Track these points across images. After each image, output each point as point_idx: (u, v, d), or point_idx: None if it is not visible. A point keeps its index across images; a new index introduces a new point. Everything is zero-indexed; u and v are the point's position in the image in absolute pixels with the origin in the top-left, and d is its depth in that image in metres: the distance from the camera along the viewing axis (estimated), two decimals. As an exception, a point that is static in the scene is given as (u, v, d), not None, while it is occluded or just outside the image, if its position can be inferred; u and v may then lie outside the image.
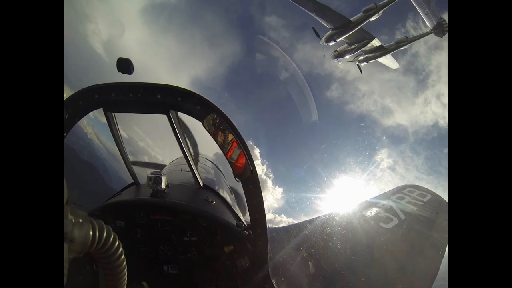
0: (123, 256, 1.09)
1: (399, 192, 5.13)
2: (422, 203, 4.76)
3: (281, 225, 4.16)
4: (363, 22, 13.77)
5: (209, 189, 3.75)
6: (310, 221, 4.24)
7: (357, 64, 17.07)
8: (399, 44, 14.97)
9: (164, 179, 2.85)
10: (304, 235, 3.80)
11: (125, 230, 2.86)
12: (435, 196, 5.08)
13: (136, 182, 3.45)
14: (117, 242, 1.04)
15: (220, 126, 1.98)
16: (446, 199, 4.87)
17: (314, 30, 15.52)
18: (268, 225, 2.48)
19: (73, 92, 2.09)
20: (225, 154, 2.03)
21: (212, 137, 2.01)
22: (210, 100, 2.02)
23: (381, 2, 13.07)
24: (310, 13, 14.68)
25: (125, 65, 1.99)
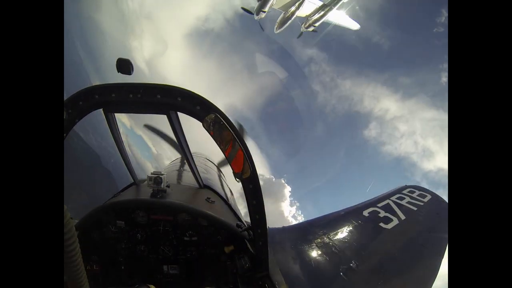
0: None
1: (399, 192, 5.12)
2: (422, 203, 4.75)
3: (281, 226, 4.14)
4: None
5: (209, 189, 3.75)
6: (310, 222, 4.23)
7: (313, 30, 16.37)
8: None
9: (164, 179, 2.85)
10: (304, 236, 3.80)
11: (125, 230, 2.86)
12: (435, 197, 5.07)
13: (136, 182, 3.45)
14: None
15: (220, 126, 1.98)
16: (446, 199, 4.87)
17: (244, 9, 14.99)
18: (268, 225, 2.48)
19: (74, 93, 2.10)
20: (225, 154, 2.03)
21: (212, 137, 2.01)
22: (211, 101, 2.02)
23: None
24: None
25: (125, 66, 1.99)
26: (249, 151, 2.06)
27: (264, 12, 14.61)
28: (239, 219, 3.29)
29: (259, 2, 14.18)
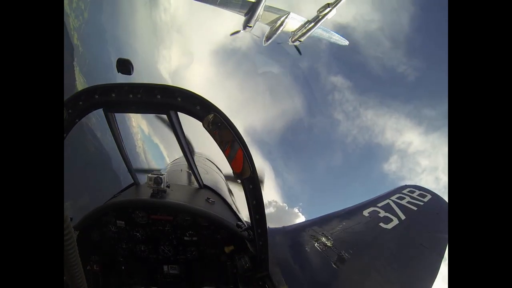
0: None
1: (399, 192, 5.12)
2: (422, 203, 4.75)
3: (281, 226, 4.14)
4: None
5: (209, 189, 3.75)
6: (310, 222, 4.23)
7: (294, 46, 17.20)
8: (321, 12, 14.74)
9: (164, 179, 2.85)
10: (304, 236, 3.80)
11: (125, 230, 2.86)
12: (435, 196, 5.07)
13: (136, 182, 3.46)
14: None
15: (220, 126, 1.98)
16: (446, 199, 4.87)
17: (233, 33, 16.19)
18: (268, 225, 2.48)
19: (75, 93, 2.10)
20: (225, 154, 2.03)
21: (212, 137, 2.01)
22: (211, 101, 2.02)
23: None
24: (215, 6, 15.32)
25: (125, 66, 1.99)
26: (249, 151, 2.06)
27: (250, 27, 15.66)
28: (239, 219, 3.29)
29: (245, 17, 15.24)
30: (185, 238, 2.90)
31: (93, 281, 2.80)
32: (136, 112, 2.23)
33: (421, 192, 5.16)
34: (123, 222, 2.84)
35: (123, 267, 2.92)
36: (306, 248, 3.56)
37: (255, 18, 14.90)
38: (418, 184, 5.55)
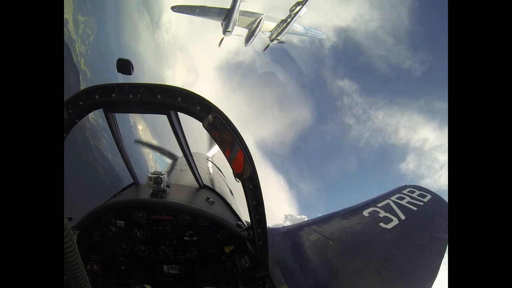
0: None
1: (399, 192, 5.12)
2: (422, 203, 4.75)
3: (281, 226, 4.14)
4: (236, 2, 15.32)
5: (209, 189, 3.75)
6: (310, 222, 4.23)
7: (279, 42, 18.38)
8: (293, 11, 15.78)
9: (164, 179, 2.85)
10: (304, 235, 3.80)
11: (125, 230, 2.86)
12: (435, 197, 5.07)
13: (136, 182, 3.46)
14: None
15: (220, 126, 1.97)
16: (446, 199, 4.87)
17: (220, 41, 17.75)
18: (268, 225, 2.48)
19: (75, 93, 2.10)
20: (225, 154, 2.03)
21: (212, 137, 2.01)
22: (211, 101, 2.02)
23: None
24: (194, 16, 16.86)
25: (125, 66, 1.99)
26: (249, 151, 2.06)
27: (229, 31, 16.91)
28: (239, 219, 3.29)
29: (224, 23, 16.47)
30: (185, 238, 2.90)
31: (93, 281, 2.80)
32: (136, 112, 2.23)
33: (421, 192, 5.16)
34: (123, 222, 2.83)
35: (123, 267, 2.92)
36: (306, 248, 3.56)
37: (232, 23, 16.21)
38: (418, 184, 5.55)
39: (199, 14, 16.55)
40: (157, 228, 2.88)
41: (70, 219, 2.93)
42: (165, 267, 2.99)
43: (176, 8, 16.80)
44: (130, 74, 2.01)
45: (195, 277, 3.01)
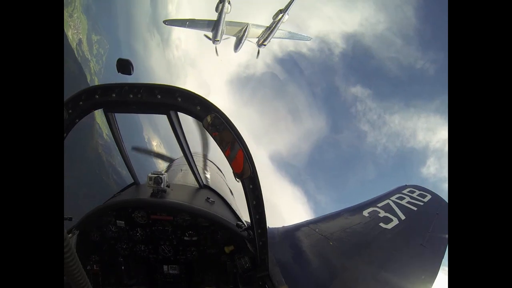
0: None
1: (399, 192, 5.12)
2: (422, 203, 4.75)
3: (281, 226, 4.14)
4: (222, 14, 16.34)
5: (209, 189, 3.75)
6: (310, 221, 4.23)
7: (258, 50, 19.55)
8: (277, 17, 16.83)
9: (164, 179, 2.85)
10: (304, 235, 3.80)
11: (125, 230, 2.86)
12: (435, 197, 5.07)
13: (136, 182, 3.45)
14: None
15: (220, 126, 1.97)
16: (446, 199, 4.87)
17: (206, 36, 18.33)
18: (268, 225, 2.48)
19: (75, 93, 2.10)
20: (225, 154, 2.03)
21: (212, 137, 2.01)
22: (212, 102, 2.02)
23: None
24: (184, 28, 18.03)
25: (125, 66, 1.99)
26: (249, 151, 2.06)
27: (218, 41, 17.84)
28: (239, 219, 3.29)
29: (212, 33, 17.52)
30: (185, 238, 2.90)
31: (93, 281, 2.80)
32: (136, 112, 2.23)
33: (421, 192, 5.15)
34: (123, 222, 2.83)
35: (123, 267, 2.92)
36: (306, 248, 3.56)
37: (220, 33, 17.26)
38: (418, 184, 5.55)
39: (189, 26, 17.69)
40: (157, 228, 2.88)
41: (70, 219, 2.93)
42: (165, 267, 2.99)
43: (168, 22, 17.93)
44: (130, 74, 2.01)
45: (195, 277, 3.01)
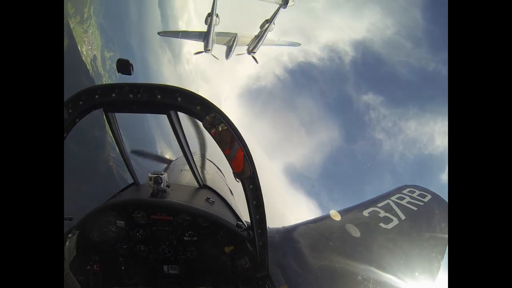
0: None
1: (399, 192, 5.11)
2: (422, 203, 4.74)
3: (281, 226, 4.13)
4: (211, 26, 17.44)
5: (210, 189, 3.75)
6: (310, 221, 4.23)
7: (252, 56, 20.27)
8: (264, 27, 17.67)
9: (164, 179, 2.85)
10: (304, 235, 3.79)
11: (125, 230, 2.86)
12: (435, 197, 5.06)
13: (136, 182, 3.45)
14: None
15: (220, 126, 1.97)
16: (446, 199, 4.86)
17: (197, 52, 19.63)
18: (268, 225, 2.48)
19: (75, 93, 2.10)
20: (225, 154, 2.03)
21: (212, 137, 2.01)
22: (212, 102, 2.03)
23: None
24: (178, 38, 19.16)
25: (125, 66, 1.99)
26: (249, 151, 2.06)
27: (209, 50, 18.85)
28: (239, 219, 3.29)
29: (203, 43, 18.48)
30: (185, 238, 2.90)
31: (93, 281, 2.80)
32: (136, 112, 2.23)
33: (421, 192, 5.14)
34: (123, 222, 2.83)
35: (123, 267, 2.92)
36: (306, 248, 3.56)
37: (210, 43, 18.32)
38: (418, 184, 5.54)
39: (182, 37, 18.93)
40: (157, 228, 2.88)
41: (70, 219, 2.93)
42: (165, 267, 2.99)
43: (163, 33, 19.03)
44: (130, 74, 2.02)
45: (195, 277, 3.01)
